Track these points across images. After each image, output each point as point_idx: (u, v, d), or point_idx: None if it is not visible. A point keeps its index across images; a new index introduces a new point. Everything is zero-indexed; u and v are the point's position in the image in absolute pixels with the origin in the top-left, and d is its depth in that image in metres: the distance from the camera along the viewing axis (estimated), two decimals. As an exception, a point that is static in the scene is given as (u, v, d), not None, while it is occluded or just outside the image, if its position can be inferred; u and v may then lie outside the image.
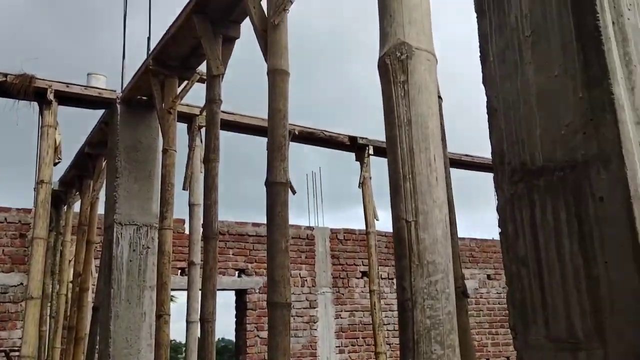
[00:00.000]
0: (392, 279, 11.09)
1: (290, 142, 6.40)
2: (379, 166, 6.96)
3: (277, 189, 2.71)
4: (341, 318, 10.71)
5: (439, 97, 1.93)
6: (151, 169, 5.21)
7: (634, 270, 1.18)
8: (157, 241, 4.57)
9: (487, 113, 1.60)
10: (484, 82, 1.62)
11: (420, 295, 1.06)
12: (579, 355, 1.27)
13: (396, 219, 1.15)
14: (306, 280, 10.35)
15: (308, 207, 12.63)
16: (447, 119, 2.54)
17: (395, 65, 1.17)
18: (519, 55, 1.50)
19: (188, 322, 5.35)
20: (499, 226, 1.54)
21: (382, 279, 10.51)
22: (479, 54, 1.65)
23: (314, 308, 10.33)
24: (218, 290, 9.77)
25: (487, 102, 1.60)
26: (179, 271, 9.32)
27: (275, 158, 2.74)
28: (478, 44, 1.66)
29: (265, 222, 2.90)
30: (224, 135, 5.97)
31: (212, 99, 3.62)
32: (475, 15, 1.66)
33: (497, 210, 1.54)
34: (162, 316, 4.20)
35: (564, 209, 1.34)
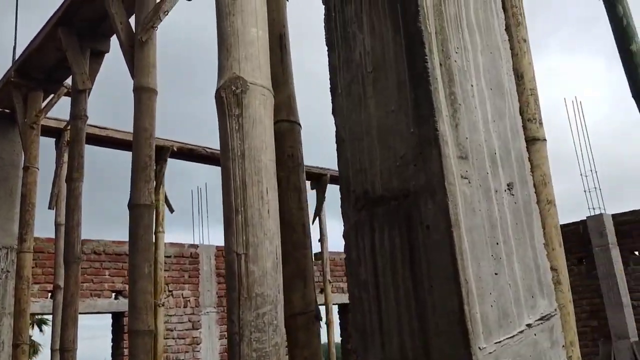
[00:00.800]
0: (277, 296, 11.04)
1: (170, 159, 6.25)
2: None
3: (140, 211, 2.63)
4: (226, 338, 10.52)
5: (299, 124, 1.98)
6: (13, 187, 4.85)
7: (453, 293, 1.28)
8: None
9: (336, 142, 1.67)
10: (333, 113, 1.69)
11: (247, 328, 1.08)
12: (409, 375, 1.35)
13: (228, 251, 1.16)
14: (189, 300, 10.08)
15: (193, 224, 12.36)
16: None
17: (230, 99, 1.19)
18: (362, 90, 1.58)
19: (52, 350, 5.02)
20: (344, 252, 1.61)
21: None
22: (329, 85, 1.72)
23: (197, 329, 10.07)
24: (93, 313, 9.26)
25: (335, 132, 1.67)
26: (49, 294, 8.70)
27: (140, 179, 2.67)
28: (329, 76, 1.73)
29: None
30: (104, 149, 5.70)
31: (78, 115, 3.46)
32: (326, 49, 1.74)
33: (343, 236, 1.61)
34: (19, 345, 3.91)
35: (398, 236, 1.43)
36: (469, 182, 1.39)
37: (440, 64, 1.44)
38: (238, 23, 1.21)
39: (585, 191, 11.53)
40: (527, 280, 1.43)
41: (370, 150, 1.54)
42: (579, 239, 11.22)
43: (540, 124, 1.92)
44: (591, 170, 11.62)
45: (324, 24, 1.72)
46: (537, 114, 1.92)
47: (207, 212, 15.15)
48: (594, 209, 11.32)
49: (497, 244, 1.40)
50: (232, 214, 1.15)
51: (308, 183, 9.87)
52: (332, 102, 1.71)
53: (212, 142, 6.42)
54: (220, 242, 11.16)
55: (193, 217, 12.07)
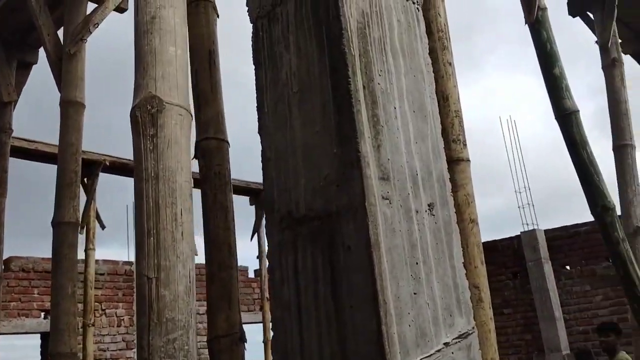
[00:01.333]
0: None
1: (103, 173, 6.07)
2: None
3: (64, 230, 2.54)
4: (163, 357, 10.22)
5: (227, 142, 1.96)
6: None
7: (372, 313, 1.29)
8: None
9: (262, 161, 1.66)
10: (259, 132, 1.69)
11: (157, 354, 1.05)
12: (329, 398, 1.34)
13: (138, 275, 1.13)
14: (123, 319, 9.75)
15: (128, 240, 11.98)
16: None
17: (145, 119, 1.17)
18: (288, 110, 1.59)
19: (-28, 376, 4.72)
20: (268, 272, 1.60)
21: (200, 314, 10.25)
22: (256, 104, 1.72)
23: (132, 349, 9.73)
24: (21, 333, 8.80)
25: (262, 151, 1.67)
26: (-28, 315, 8.22)
27: (64, 195, 2.57)
28: (256, 94, 1.73)
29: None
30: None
31: (2, 128, 3.31)
32: (253, 67, 1.73)
33: (267, 256, 1.60)
34: None
35: (320, 256, 1.43)
36: (390, 203, 1.41)
37: (364, 86, 1.46)
38: (156, 42, 1.18)
39: (519, 207, 11.96)
40: (445, 299, 1.46)
41: (295, 170, 1.54)
42: (513, 253, 11.60)
43: (464, 144, 1.98)
44: (525, 187, 12.08)
45: (251, 43, 1.72)
46: (461, 135, 1.97)
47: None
48: (527, 224, 11.74)
49: (417, 263, 1.42)
50: (143, 237, 1.11)
51: (247, 198, 9.76)
52: (258, 121, 1.70)
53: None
54: (159, 259, 10.86)
55: (128, 233, 11.71)
